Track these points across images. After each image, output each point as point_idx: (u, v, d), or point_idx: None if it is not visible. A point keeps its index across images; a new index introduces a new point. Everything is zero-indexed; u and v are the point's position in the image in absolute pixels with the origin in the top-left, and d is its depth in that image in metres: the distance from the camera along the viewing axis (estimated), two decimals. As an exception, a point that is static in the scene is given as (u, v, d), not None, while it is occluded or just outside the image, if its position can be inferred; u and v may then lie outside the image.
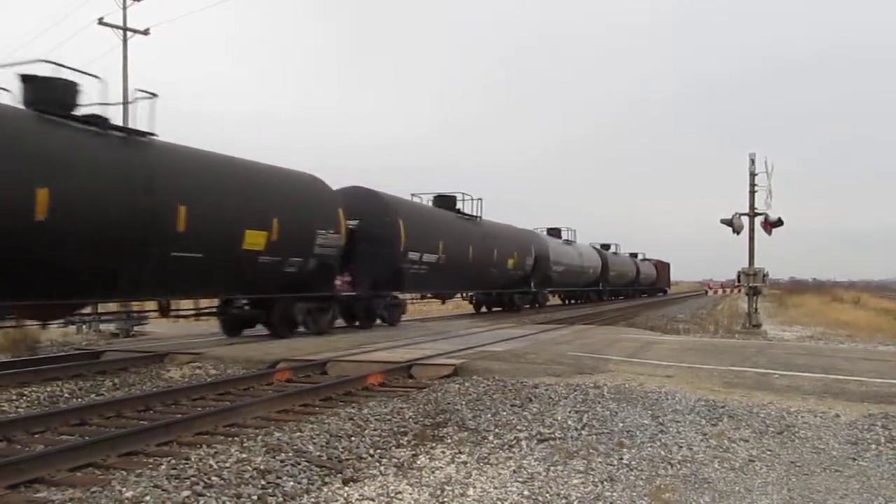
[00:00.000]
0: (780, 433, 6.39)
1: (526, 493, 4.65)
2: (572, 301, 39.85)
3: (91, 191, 10.21)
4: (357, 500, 4.49)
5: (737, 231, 22.97)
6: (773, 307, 43.88)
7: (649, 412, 7.11)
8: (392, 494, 4.58)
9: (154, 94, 11.57)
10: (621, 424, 6.58)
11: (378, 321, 17.61)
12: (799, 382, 8.75)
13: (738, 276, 23.81)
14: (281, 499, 4.44)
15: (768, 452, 5.76)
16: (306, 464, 5.12)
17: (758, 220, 22.93)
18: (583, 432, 6.28)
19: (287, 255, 13.76)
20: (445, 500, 4.53)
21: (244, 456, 5.24)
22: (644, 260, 59.44)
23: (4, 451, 5.60)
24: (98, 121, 10.75)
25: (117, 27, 23.29)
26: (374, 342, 13.04)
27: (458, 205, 22.98)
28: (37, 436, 6.17)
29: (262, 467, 4.96)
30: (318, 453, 5.44)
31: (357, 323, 16.99)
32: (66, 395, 8.42)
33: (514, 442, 5.93)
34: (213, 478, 4.70)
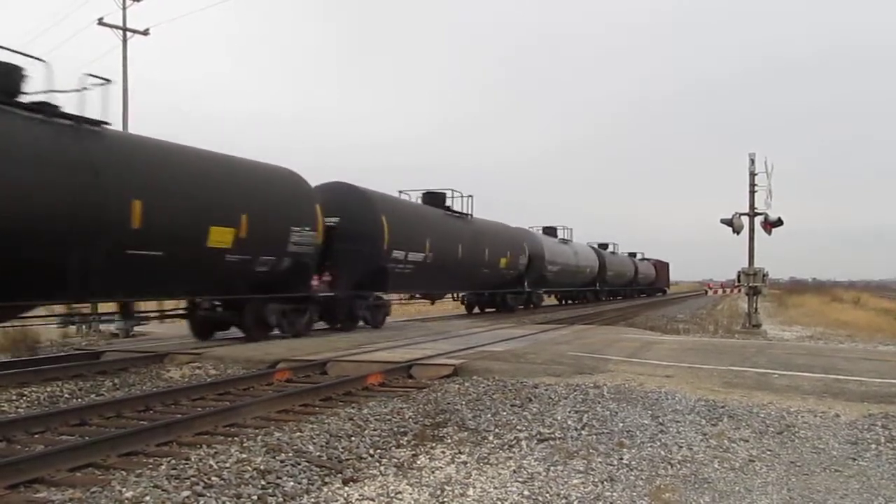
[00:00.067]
0: (780, 433, 6.39)
1: (526, 493, 4.65)
2: (568, 301, 39.54)
3: (30, 183, 9.46)
4: (357, 500, 4.49)
5: (737, 231, 22.97)
6: (772, 307, 43.89)
7: (649, 412, 7.11)
8: (392, 494, 4.58)
9: (108, 80, 10.70)
10: (621, 424, 6.59)
11: (361, 323, 16.79)
12: (799, 382, 8.75)
13: (738, 276, 23.82)
14: (281, 499, 4.44)
15: (768, 452, 5.76)
16: (306, 464, 5.12)
17: (758, 219, 22.93)
18: (583, 432, 6.29)
19: (258, 253, 13.04)
20: (445, 500, 4.53)
21: (244, 456, 5.24)
22: (643, 259, 59.34)
23: (4, 451, 5.60)
24: (44, 108, 10.00)
25: (117, 27, 23.29)
26: (374, 342, 13.05)
27: (448, 202, 22.11)
28: (37, 436, 6.17)
29: (262, 467, 4.96)
30: (318, 453, 5.44)
31: (338, 325, 16.18)
32: (66, 395, 8.42)
33: (514, 442, 5.93)
34: (213, 478, 4.70)
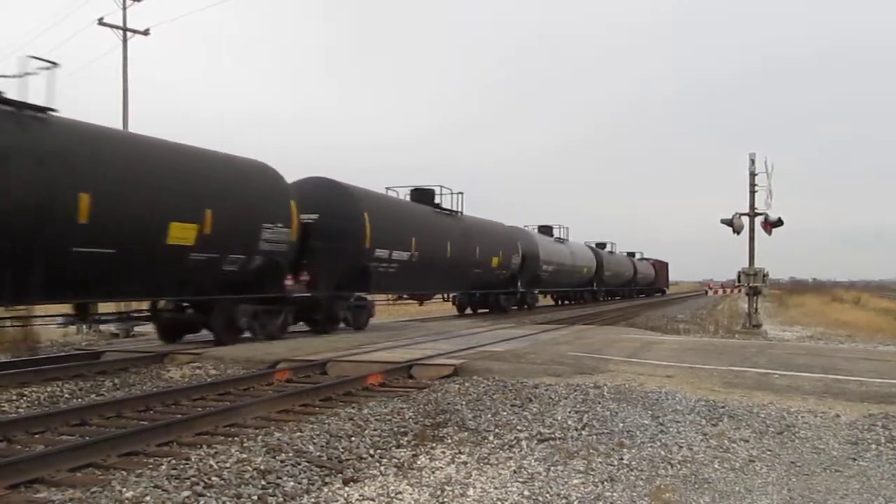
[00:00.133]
0: (780, 433, 6.39)
1: (526, 493, 4.65)
2: (565, 302, 38.83)
3: None
4: (357, 500, 4.49)
5: (737, 231, 23.00)
6: (773, 307, 43.90)
7: (649, 412, 7.11)
8: (392, 494, 4.58)
9: (54, 64, 9.93)
10: (621, 424, 6.58)
11: (342, 325, 16.01)
12: (799, 382, 8.75)
13: (739, 276, 23.85)
14: (281, 499, 4.44)
15: (768, 452, 5.76)
16: (306, 464, 5.12)
17: (758, 220, 22.96)
18: (583, 432, 6.29)
19: (225, 251, 12.21)
20: (445, 500, 4.53)
21: (244, 456, 5.24)
22: (641, 259, 59.20)
23: (4, 451, 5.60)
24: None
25: (117, 27, 23.32)
26: (375, 342, 13.05)
27: (438, 199, 21.20)
28: (37, 436, 6.17)
29: (262, 467, 4.96)
30: (318, 453, 5.44)
31: (318, 327, 15.41)
32: (67, 395, 8.42)
33: (514, 442, 5.93)
34: (214, 478, 4.70)
